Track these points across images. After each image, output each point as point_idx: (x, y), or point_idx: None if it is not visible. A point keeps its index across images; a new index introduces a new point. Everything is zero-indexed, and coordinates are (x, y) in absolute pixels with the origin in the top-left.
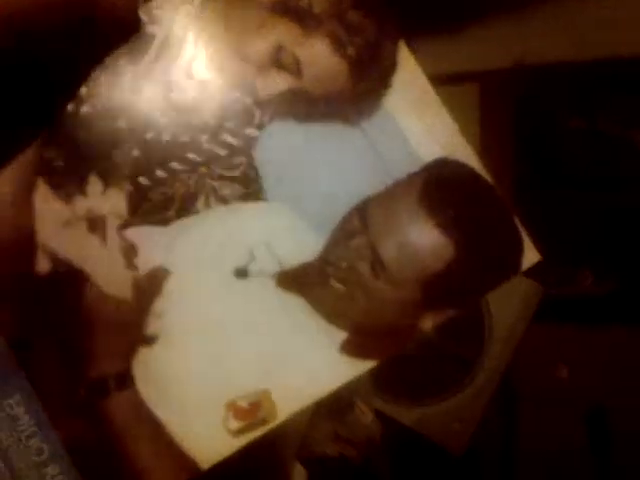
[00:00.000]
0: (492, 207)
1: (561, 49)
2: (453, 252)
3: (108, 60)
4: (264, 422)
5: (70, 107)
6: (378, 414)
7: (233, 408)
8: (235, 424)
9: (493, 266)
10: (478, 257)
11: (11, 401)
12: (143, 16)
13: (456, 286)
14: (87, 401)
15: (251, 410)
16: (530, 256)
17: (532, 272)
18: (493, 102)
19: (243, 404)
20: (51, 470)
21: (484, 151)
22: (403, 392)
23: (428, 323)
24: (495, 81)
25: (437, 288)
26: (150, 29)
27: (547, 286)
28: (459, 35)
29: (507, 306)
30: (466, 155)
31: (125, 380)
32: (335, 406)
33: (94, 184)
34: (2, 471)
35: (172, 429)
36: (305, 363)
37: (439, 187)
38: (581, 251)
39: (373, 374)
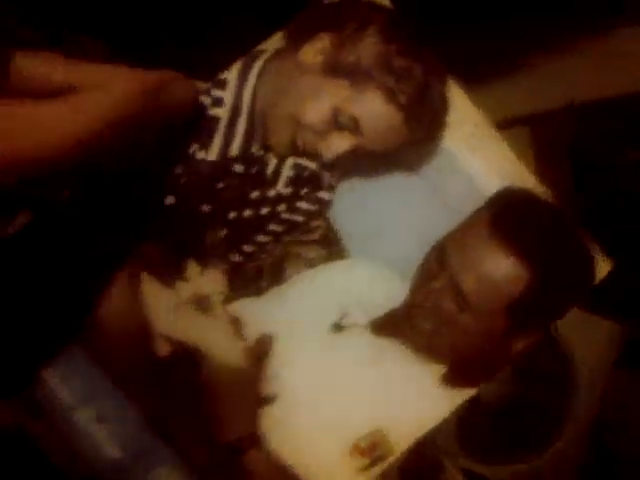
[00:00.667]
0: (559, 227)
1: (610, 85)
2: (529, 277)
3: (181, 150)
4: (383, 458)
5: (155, 201)
6: (467, 474)
7: (355, 449)
8: (359, 463)
9: (568, 283)
10: (553, 278)
11: (161, 470)
12: (204, 100)
13: (538, 308)
14: (226, 462)
15: (370, 449)
16: (602, 267)
17: (614, 314)
18: (546, 144)
19: (363, 445)
20: None
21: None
22: (492, 450)
23: (518, 347)
24: (547, 123)
25: (520, 313)
26: (213, 111)
27: (630, 327)
28: (508, 81)
29: (590, 350)
30: (526, 181)
31: (256, 438)
32: (425, 469)
33: (192, 268)
34: None
35: (304, 474)
36: (410, 400)
37: (507, 218)
38: None
39: (459, 434)
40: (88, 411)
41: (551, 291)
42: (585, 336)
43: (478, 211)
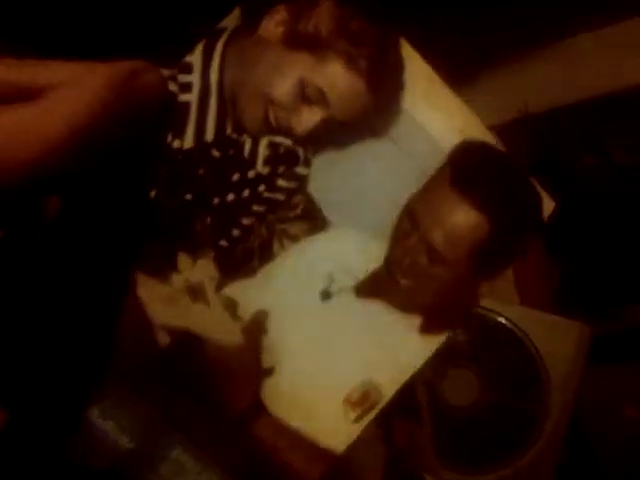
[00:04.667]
0: (510, 174)
1: (561, 92)
2: (489, 223)
3: (158, 141)
4: (375, 405)
5: (140, 197)
6: None
7: (348, 402)
8: (353, 414)
9: (523, 225)
10: (509, 221)
11: (175, 453)
12: (172, 87)
13: (498, 249)
14: (235, 435)
15: (363, 399)
16: (547, 205)
17: (579, 314)
18: None
19: (355, 396)
20: None
21: None
22: (472, 459)
23: (483, 288)
24: (502, 134)
25: (483, 256)
26: (183, 97)
27: (596, 326)
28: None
29: (559, 352)
30: (480, 131)
31: (259, 409)
32: None
33: (183, 260)
34: None
35: (305, 432)
36: (394, 350)
37: (465, 172)
38: (625, 286)
39: (437, 447)
40: (97, 408)
41: (508, 233)
42: (554, 338)
43: (440, 168)
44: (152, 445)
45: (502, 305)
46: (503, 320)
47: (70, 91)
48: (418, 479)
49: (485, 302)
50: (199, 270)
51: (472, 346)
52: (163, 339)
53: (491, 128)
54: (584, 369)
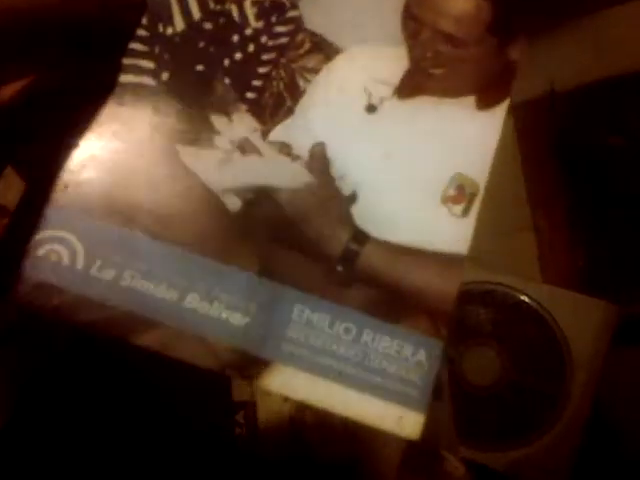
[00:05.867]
0: None
1: (588, 69)
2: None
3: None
4: (474, 195)
5: (150, 80)
6: (468, 463)
7: (447, 199)
8: (458, 209)
9: None
10: None
11: (296, 312)
12: None
13: (505, 17)
14: (348, 272)
15: (459, 193)
16: None
17: (605, 294)
18: (529, 133)
19: (451, 192)
20: None
21: (530, 183)
22: (491, 438)
23: (515, 55)
24: (528, 112)
25: (498, 27)
26: None
27: (622, 307)
28: None
29: (584, 332)
30: None
31: (361, 236)
32: (423, 461)
33: (219, 121)
34: None
35: (419, 246)
36: (464, 136)
37: None
38: None
39: (457, 424)
40: (193, 295)
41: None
42: (578, 317)
43: None
44: (268, 312)
45: (525, 282)
46: (526, 298)
47: None
48: (435, 455)
49: (507, 279)
50: (237, 125)
51: (494, 324)
52: (233, 203)
53: (515, 107)
54: (608, 350)
